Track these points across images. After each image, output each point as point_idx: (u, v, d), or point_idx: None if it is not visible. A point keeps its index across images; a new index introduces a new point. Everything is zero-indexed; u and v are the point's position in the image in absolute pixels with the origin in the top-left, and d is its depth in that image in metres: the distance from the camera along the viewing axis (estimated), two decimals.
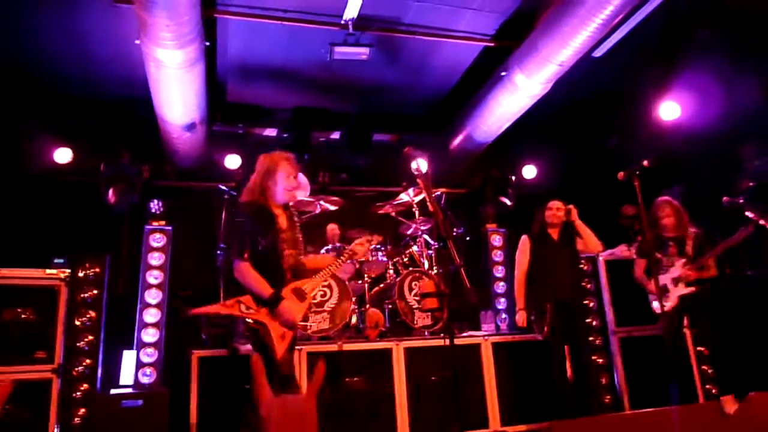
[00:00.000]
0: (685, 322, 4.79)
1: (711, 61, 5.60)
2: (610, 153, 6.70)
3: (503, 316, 5.86)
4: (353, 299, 5.03)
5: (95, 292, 4.47)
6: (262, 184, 3.40)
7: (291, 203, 3.56)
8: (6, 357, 4.05)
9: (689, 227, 4.63)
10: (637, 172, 3.88)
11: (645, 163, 3.86)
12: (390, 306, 5.24)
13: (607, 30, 4.89)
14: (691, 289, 4.48)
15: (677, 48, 5.92)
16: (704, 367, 5.36)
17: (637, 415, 4.44)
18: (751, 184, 5.46)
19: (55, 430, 4.06)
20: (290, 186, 3.44)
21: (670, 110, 5.83)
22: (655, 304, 4.60)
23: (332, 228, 6.07)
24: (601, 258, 5.41)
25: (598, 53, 5.74)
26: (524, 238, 4.83)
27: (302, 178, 5.56)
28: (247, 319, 3.21)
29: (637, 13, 5.17)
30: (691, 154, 6.05)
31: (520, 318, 4.61)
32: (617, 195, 6.18)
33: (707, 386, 5.29)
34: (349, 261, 4.09)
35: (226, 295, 5.33)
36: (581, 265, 5.20)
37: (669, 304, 4.51)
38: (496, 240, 6.47)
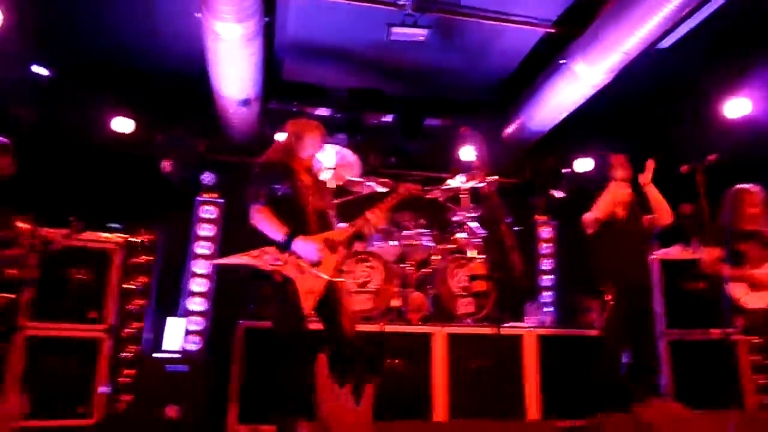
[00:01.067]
0: None
1: None
2: (670, 148, 6.42)
3: (548, 309, 5.74)
4: (396, 282, 5.01)
5: (148, 258, 4.59)
6: (287, 146, 3.48)
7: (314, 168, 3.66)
8: (61, 314, 4.21)
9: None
10: (702, 167, 3.70)
11: (711, 157, 3.68)
12: (433, 291, 5.20)
13: (676, 19, 4.67)
14: None
15: (750, 42, 5.61)
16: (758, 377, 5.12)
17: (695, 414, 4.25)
18: None
19: (104, 387, 4.22)
20: (314, 152, 3.54)
21: (739, 106, 5.56)
22: (746, 297, 4.14)
23: None
24: (654, 257, 5.21)
25: (665, 44, 5.49)
26: None
27: (352, 156, 5.55)
28: (271, 272, 3.11)
29: (710, 3, 4.91)
30: (761, 152, 5.74)
31: None
32: (677, 192, 5.97)
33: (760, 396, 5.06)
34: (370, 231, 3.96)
35: None
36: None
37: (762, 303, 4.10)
38: (545, 232, 6.33)
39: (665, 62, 5.84)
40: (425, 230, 5.65)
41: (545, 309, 5.66)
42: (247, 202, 3.36)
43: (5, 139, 3.68)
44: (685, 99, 6.42)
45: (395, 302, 5.02)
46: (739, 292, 4.19)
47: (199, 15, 4.84)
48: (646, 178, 4.29)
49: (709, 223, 4.13)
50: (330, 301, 3.23)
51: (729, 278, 4.19)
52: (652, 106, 6.69)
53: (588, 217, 4.34)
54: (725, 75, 5.81)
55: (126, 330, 4.41)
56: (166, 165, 6.03)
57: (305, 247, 3.14)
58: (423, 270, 5.52)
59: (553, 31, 5.66)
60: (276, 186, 3.31)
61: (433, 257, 5.53)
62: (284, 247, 3.14)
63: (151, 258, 4.61)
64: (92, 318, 4.31)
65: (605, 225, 4.25)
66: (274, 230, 3.17)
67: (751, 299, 4.06)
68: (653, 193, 4.31)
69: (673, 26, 4.98)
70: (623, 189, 4.32)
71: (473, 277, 4.89)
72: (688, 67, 6.04)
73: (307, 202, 3.30)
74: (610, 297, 4.13)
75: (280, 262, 3.07)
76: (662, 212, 4.32)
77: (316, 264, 3.14)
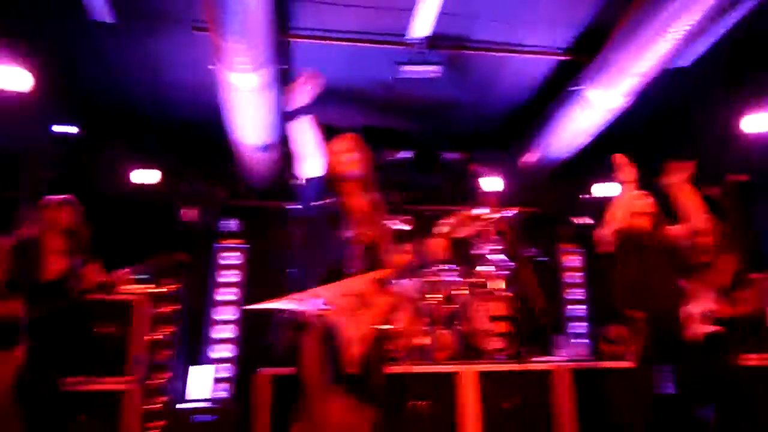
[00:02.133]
0: None
1: None
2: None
3: (580, 340, 5.58)
4: (423, 320, 4.93)
5: (171, 307, 4.62)
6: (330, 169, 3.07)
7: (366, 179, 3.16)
8: (90, 368, 4.22)
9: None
10: (727, 191, 3.60)
11: (742, 177, 3.56)
12: (460, 328, 5.10)
13: (690, 38, 4.63)
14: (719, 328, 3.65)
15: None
16: None
17: None
18: None
19: None
20: (351, 160, 3.09)
21: (759, 123, 5.45)
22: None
23: None
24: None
25: (684, 62, 5.44)
26: None
27: None
28: (316, 318, 2.71)
29: (724, 20, 4.86)
30: None
31: None
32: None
33: None
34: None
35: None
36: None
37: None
38: (572, 261, 6.20)
39: (687, 80, 5.77)
40: (449, 264, 5.59)
41: (576, 340, 5.51)
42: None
43: (67, 196, 3.78)
44: (708, 116, 6.32)
45: (422, 341, 4.94)
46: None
47: (213, 67, 4.96)
48: (671, 179, 3.69)
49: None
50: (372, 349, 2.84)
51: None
52: (673, 126, 6.60)
53: (602, 232, 3.82)
54: (743, 93, 5.71)
55: (152, 381, 4.40)
56: (189, 213, 6.11)
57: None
58: (449, 306, 5.44)
59: (565, 58, 5.66)
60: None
61: (458, 292, 5.44)
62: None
63: (175, 307, 4.63)
64: (119, 370, 4.31)
65: (626, 240, 3.69)
66: None
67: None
68: (681, 198, 3.69)
69: (687, 45, 4.94)
70: (640, 196, 3.81)
71: (493, 318, 4.76)
72: (709, 84, 5.96)
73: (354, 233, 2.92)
74: (638, 324, 3.57)
75: (328, 307, 2.70)
76: (696, 216, 3.67)
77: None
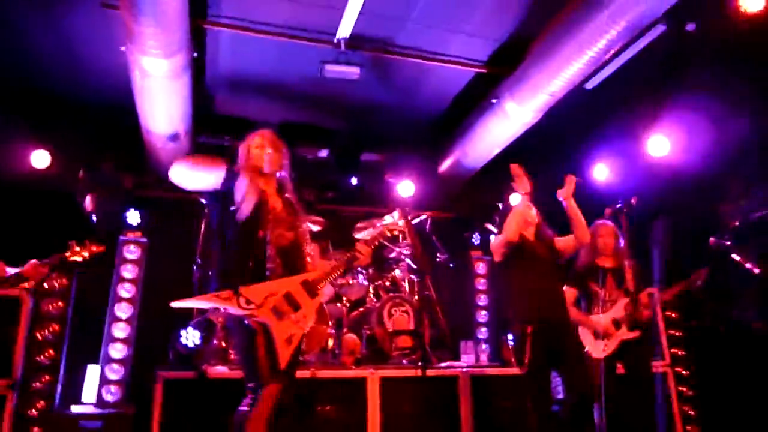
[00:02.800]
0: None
1: (701, 98, 5.59)
2: (594, 186, 6.63)
3: (484, 346, 5.73)
4: (330, 323, 4.88)
5: (60, 304, 4.29)
6: (246, 165, 3.09)
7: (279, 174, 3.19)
8: None
9: (626, 258, 4.06)
10: (624, 210, 3.80)
11: (633, 201, 3.78)
12: (368, 332, 5.10)
13: (599, 63, 4.87)
14: (636, 333, 3.97)
15: (668, 83, 5.92)
16: (685, 408, 5.27)
17: None
18: (737, 223, 5.42)
19: None
20: (266, 156, 3.11)
21: (659, 145, 5.82)
22: (590, 346, 4.05)
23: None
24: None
25: (590, 85, 5.72)
26: None
27: None
28: (244, 318, 2.67)
29: (631, 47, 5.15)
30: (677, 189, 6.01)
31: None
32: None
33: (688, 428, 5.20)
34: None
35: (199, 310, 5.19)
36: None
37: (608, 349, 3.98)
38: (480, 267, 6.36)
39: (593, 101, 6.06)
40: (360, 268, 5.57)
41: (482, 346, 5.65)
42: None
43: None
44: (609, 138, 6.68)
45: (329, 344, 4.89)
46: (585, 338, 4.12)
47: (124, 49, 4.67)
48: (567, 192, 3.89)
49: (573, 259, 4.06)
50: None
51: (579, 324, 4.08)
52: (580, 143, 6.92)
53: (496, 241, 3.93)
54: (646, 115, 6.08)
55: (34, 384, 4.07)
56: (88, 202, 5.72)
57: None
58: (358, 309, 5.42)
59: (484, 71, 5.78)
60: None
61: (369, 296, 5.45)
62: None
63: (64, 304, 4.30)
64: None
65: (515, 250, 3.80)
66: None
67: (595, 347, 4.01)
68: (573, 209, 3.89)
69: (597, 68, 5.19)
70: (530, 207, 3.94)
71: (396, 332, 4.78)
72: (612, 108, 6.30)
73: (272, 233, 2.87)
74: (525, 331, 3.65)
75: (253, 306, 2.65)
76: (582, 230, 3.88)
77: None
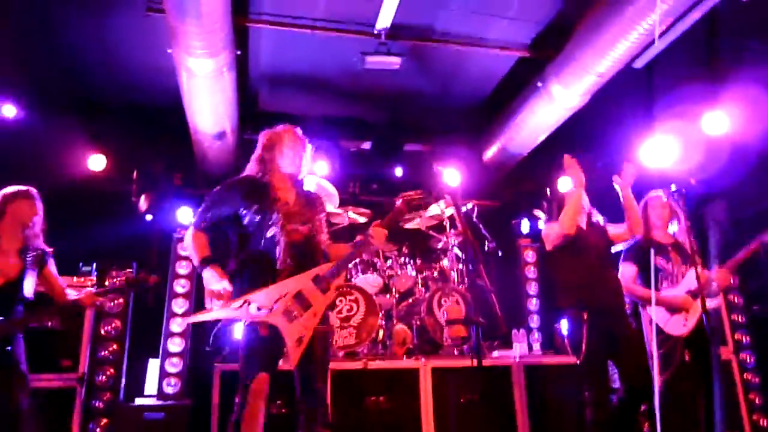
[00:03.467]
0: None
1: (761, 72, 5.32)
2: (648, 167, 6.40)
3: (536, 335, 5.64)
4: (380, 314, 4.90)
5: (121, 301, 4.45)
6: (261, 158, 3.05)
7: (301, 177, 3.14)
8: (32, 365, 4.04)
9: (685, 233, 3.84)
10: (683, 191, 3.65)
11: (691, 181, 3.63)
12: (418, 322, 5.10)
13: (648, 40, 4.68)
14: (718, 301, 3.82)
15: (723, 59, 5.65)
16: (751, 396, 5.06)
17: None
18: None
19: None
20: (295, 157, 3.06)
21: (716, 123, 5.55)
22: (667, 324, 3.74)
23: None
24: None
25: (638, 64, 5.51)
26: None
27: (331, 188, 5.48)
28: (254, 323, 2.71)
29: (680, 22, 4.93)
30: (737, 168, 5.73)
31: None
32: None
33: (754, 417, 4.99)
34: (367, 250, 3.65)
35: None
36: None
37: (689, 323, 3.71)
38: (530, 255, 6.25)
39: (640, 82, 5.86)
40: (408, 259, 5.57)
41: (534, 335, 5.57)
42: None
43: (28, 186, 3.49)
44: (662, 117, 6.43)
45: (380, 335, 4.91)
46: (659, 316, 3.80)
47: (171, 51, 4.79)
48: (625, 181, 3.83)
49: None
50: (309, 348, 2.79)
51: (648, 303, 3.77)
52: (628, 125, 6.70)
53: (550, 231, 3.86)
54: (703, 92, 5.83)
55: (100, 378, 4.24)
56: (142, 201, 5.91)
57: (209, 278, 2.76)
58: (407, 300, 5.42)
59: (527, 54, 5.66)
60: (241, 210, 2.87)
61: (418, 286, 5.44)
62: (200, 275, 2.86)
63: (124, 300, 4.46)
64: (66, 367, 4.16)
65: (570, 239, 3.72)
66: (195, 256, 2.82)
67: (672, 323, 3.73)
68: (629, 199, 3.83)
69: (646, 46, 5.00)
70: (582, 197, 3.83)
71: (449, 322, 4.75)
72: (662, 87, 6.06)
73: (285, 230, 2.83)
74: (582, 319, 3.58)
75: (265, 311, 2.67)
76: (636, 221, 3.83)
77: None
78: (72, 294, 3.50)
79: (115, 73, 5.84)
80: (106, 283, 4.31)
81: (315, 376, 2.84)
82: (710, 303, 3.66)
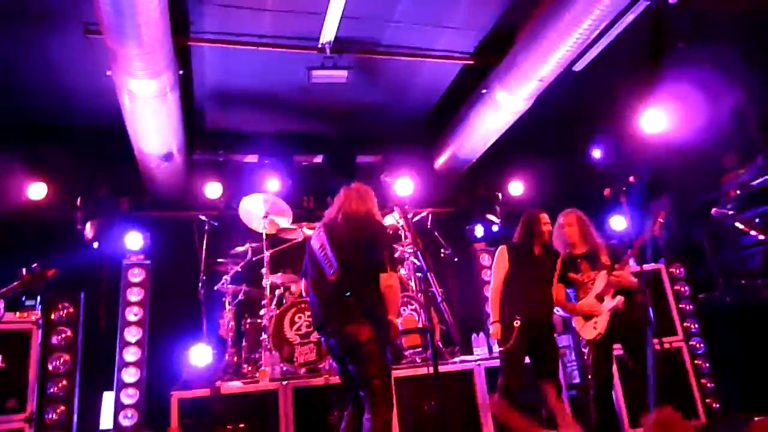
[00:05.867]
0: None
1: (693, 72, 5.57)
2: (594, 167, 6.61)
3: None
4: None
5: (69, 334, 4.28)
6: (374, 214, 3.48)
7: None
8: None
9: (598, 240, 4.16)
10: (624, 188, 3.79)
11: (631, 179, 3.77)
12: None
13: (586, 43, 4.84)
14: (619, 300, 3.95)
15: (658, 59, 5.89)
16: (703, 381, 5.25)
17: None
18: (738, 192, 5.39)
19: None
20: None
21: (654, 121, 5.77)
22: (582, 330, 4.07)
23: None
24: None
25: (578, 67, 5.69)
26: (503, 248, 4.25)
27: (283, 204, 5.43)
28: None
29: (616, 25, 5.13)
30: (677, 164, 5.99)
31: (495, 330, 4.01)
32: (605, 209, 6.13)
33: (707, 401, 5.17)
34: None
35: (209, 326, 5.21)
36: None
37: (599, 328, 3.96)
38: (485, 259, 6.35)
39: (582, 84, 6.04)
40: None
41: (492, 338, 5.63)
42: (383, 269, 3.21)
43: None
44: (603, 118, 6.65)
45: None
46: (577, 325, 4.14)
47: (110, 73, 4.67)
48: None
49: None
50: None
51: (574, 315, 4.14)
52: (575, 127, 6.90)
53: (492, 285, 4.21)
54: (637, 92, 6.05)
55: (51, 416, 4.06)
56: (88, 228, 5.72)
57: None
58: None
59: (471, 62, 5.76)
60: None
61: None
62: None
63: (73, 333, 4.30)
64: (11, 408, 3.96)
65: (518, 259, 4.13)
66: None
67: (589, 330, 4.03)
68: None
69: (585, 49, 5.17)
70: (547, 227, 4.20)
71: (404, 332, 4.77)
72: (603, 88, 6.27)
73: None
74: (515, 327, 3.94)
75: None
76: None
77: None
78: None
79: (54, 95, 5.65)
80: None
81: None
82: (609, 304, 3.98)
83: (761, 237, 4.73)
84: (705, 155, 5.75)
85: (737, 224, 4.35)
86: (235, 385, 4.20)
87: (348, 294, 3.16)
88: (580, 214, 4.21)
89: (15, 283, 3.40)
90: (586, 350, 4.11)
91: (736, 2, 4.61)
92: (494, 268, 4.22)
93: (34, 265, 3.47)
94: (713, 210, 4.55)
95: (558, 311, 4.22)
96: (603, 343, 3.96)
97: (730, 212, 4.39)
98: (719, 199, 5.25)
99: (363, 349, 3.11)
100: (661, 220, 3.96)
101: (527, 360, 4.00)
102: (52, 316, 4.21)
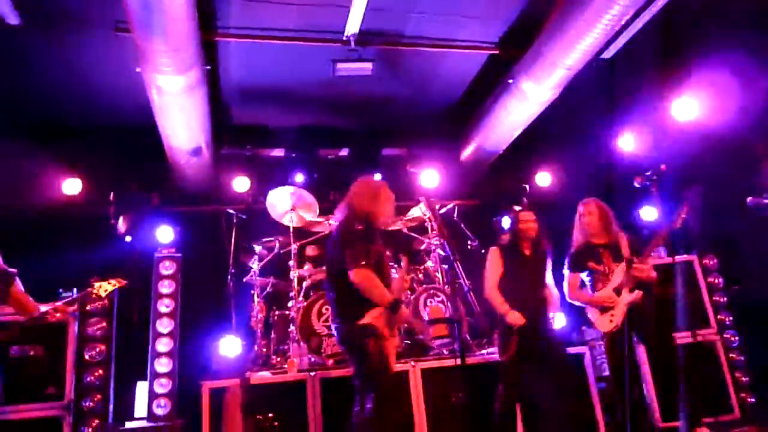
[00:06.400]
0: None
1: (726, 57, 5.42)
2: (624, 156, 6.47)
3: None
4: None
5: (104, 325, 4.40)
6: (368, 208, 3.48)
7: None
8: (16, 394, 3.99)
9: (619, 231, 4.13)
10: (655, 177, 3.71)
11: (662, 167, 3.69)
12: (406, 325, 5.09)
13: (615, 30, 4.76)
14: (638, 294, 3.87)
15: (691, 45, 5.75)
16: (737, 375, 5.12)
17: None
18: None
19: None
20: (391, 213, 3.69)
21: (686, 109, 5.64)
22: (598, 322, 4.05)
23: None
24: None
25: (607, 55, 5.59)
26: (495, 249, 4.23)
27: (309, 197, 5.47)
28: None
29: (646, 11, 5.02)
30: (710, 152, 5.83)
31: (514, 316, 3.90)
32: (635, 199, 6.01)
33: (742, 395, 5.05)
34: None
35: (238, 318, 5.30)
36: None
37: (616, 321, 3.91)
38: None
39: (611, 73, 5.94)
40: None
41: None
42: (347, 266, 3.30)
43: None
44: (633, 107, 6.52)
45: None
46: (592, 316, 4.12)
47: (140, 70, 4.76)
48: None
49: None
50: None
51: (589, 306, 4.13)
52: (603, 115, 6.78)
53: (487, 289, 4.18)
54: (669, 80, 5.92)
55: (87, 404, 4.18)
56: (120, 222, 5.85)
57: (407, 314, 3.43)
58: None
59: (496, 52, 5.71)
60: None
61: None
62: (388, 309, 3.29)
63: (107, 324, 4.41)
64: (50, 395, 4.10)
65: (510, 260, 4.17)
66: (382, 294, 3.29)
67: (605, 322, 3.99)
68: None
69: (613, 37, 5.07)
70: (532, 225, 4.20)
71: (431, 322, 4.77)
72: (633, 76, 6.15)
73: (388, 274, 3.48)
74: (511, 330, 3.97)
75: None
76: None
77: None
78: (43, 308, 3.45)
79: (86, 94, 5.78)
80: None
81: None
82: (627, 297, 3.92)
83: None
84: (739, 143, 5.58)
85: None
86: (264, 376, 4.27)
87: (332, 296, 3.46)
88: (600, 203, 4.18)
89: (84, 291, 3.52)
90: (602, 342, 4.11)
91: None
92: (488, 270, 4.18)
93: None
94: (749, 199, 4.42)
95: (574, 302, 4.22)
96: (618, 336, 3.89)
97: (766, 201, 4.26)
98: (754, 187, 5.09)
99: (346, 347, 3.44)
100: (684, 216, 3.88)
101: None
102: (88, 308, 4.32)
